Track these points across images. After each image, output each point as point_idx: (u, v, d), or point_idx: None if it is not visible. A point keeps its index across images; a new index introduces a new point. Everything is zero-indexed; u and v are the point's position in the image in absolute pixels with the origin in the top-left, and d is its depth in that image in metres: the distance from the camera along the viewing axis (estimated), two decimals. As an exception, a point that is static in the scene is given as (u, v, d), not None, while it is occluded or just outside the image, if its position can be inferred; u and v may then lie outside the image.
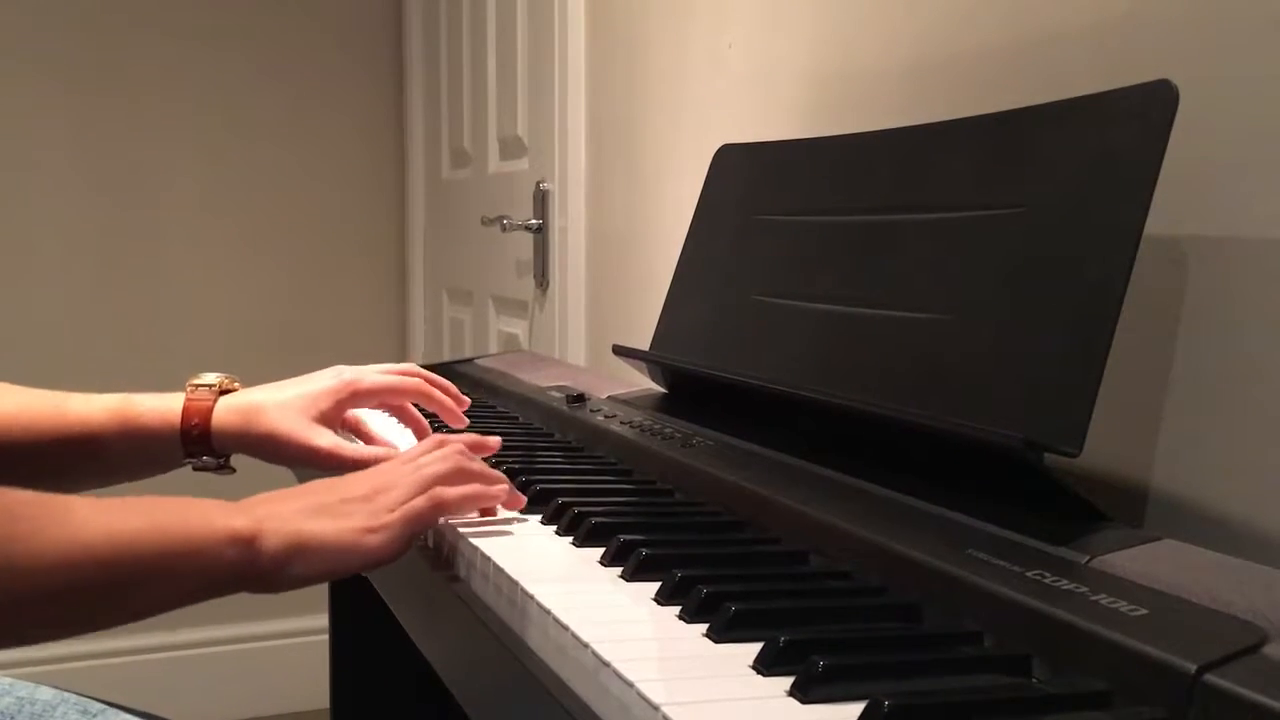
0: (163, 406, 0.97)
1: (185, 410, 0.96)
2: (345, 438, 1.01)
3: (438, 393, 1.05)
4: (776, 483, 0.85)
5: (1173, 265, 0.88)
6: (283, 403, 0.97)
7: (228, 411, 0.96)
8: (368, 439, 1.05)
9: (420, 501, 0.79)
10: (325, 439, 0.96)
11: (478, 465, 0.86)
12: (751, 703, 0.54)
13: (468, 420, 1.08)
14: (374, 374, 1.03)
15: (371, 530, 0.76)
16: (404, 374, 1.04)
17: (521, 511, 0.88)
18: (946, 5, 1.14)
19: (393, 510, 0.78)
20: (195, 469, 0.98)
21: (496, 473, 0.88)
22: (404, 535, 0.78)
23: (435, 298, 2.76)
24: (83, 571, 0.67)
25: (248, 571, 0.73)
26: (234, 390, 0.99)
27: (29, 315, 2.57)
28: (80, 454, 0.95)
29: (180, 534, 0.71)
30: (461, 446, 0.87)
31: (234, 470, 0.99)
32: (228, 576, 0.73)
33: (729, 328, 1.14)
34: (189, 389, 0.98)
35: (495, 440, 0.95)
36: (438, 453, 0.85)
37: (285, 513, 0.75)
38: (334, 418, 0.99)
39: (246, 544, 0.72)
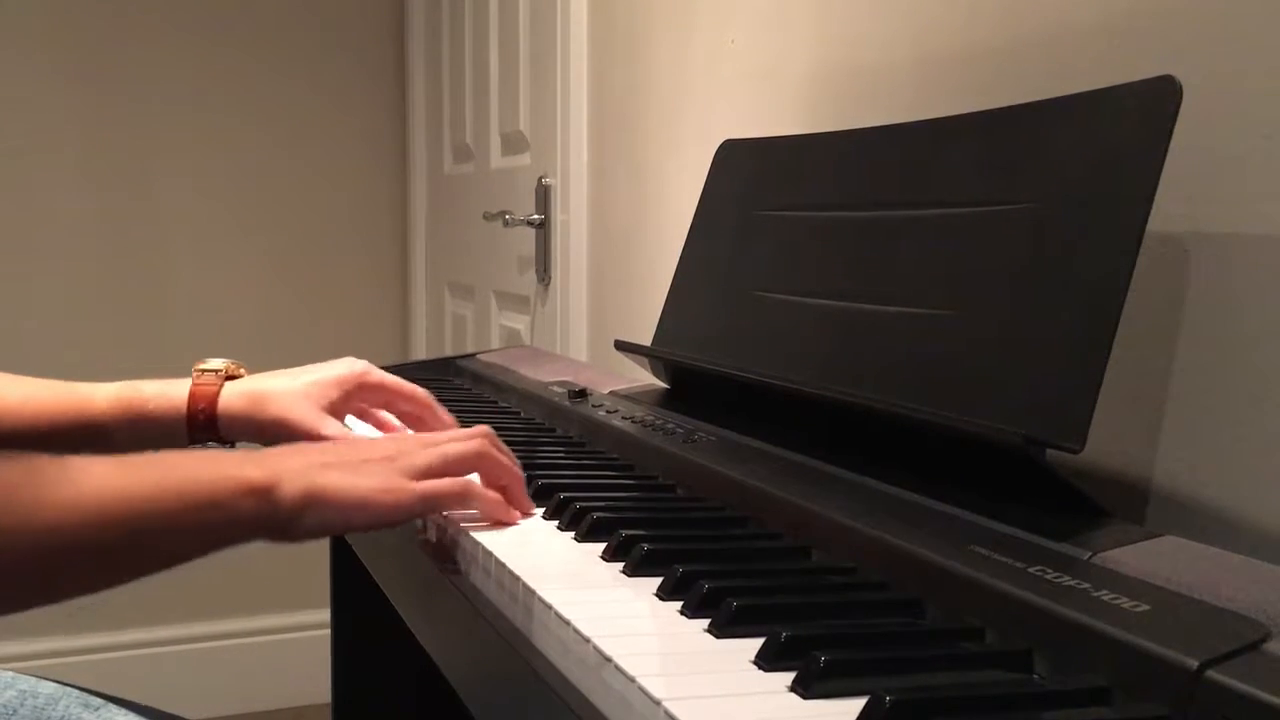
0: (169, 392, 0.97)
1: (192, 395, 0.96)
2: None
3: (441, 415, 1.04)
4: (778, 478, 0.85)
5: (1175, 262, 0.88)
6: (292, 389, 0.97)
7: (235, 397, 0.96)
8: (380, 428, 1.04)
9: (452, 484, 0.79)
10: (332, 427, 0.96)
11: (501, 457, 0.85)
12: (753, 698, 0.54)
13: None
14: (386, 373, 1.03)
15: (388, 490, 0.76)
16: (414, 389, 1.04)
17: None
18: (950, 0, 1.14)
19: (412, 476, 0.78)
20: None
21: (516, 466, 0.86)
22: (419, 506, 0.78)
23: (437, 293, 2.76)
24: (102, 528, 0.67)
25: (265, 522, 0.73)
26: (240, 376, 0.99)
27: (31, 309, 2.57)
28: (87, 442, 0.95)
29: (196, 487, 0.71)
30: (490, 431, 0.86)
31: None
32: (245, 526, 0.73)
33: (731, 323, 1.14)
34: (195, 374, 0.98)
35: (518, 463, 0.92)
36: (463, 432, 0.85)
37: (303, 465, 0.75)
38: (341, 408, 0.99)
39: (263, 494, 0.72)
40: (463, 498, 0.81)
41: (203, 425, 0.96)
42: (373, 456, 0.78)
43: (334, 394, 0.98)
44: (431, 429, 1.02)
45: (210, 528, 0.72)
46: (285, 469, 0.74)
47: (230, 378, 0.98)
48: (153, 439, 0.97)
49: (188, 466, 0.73)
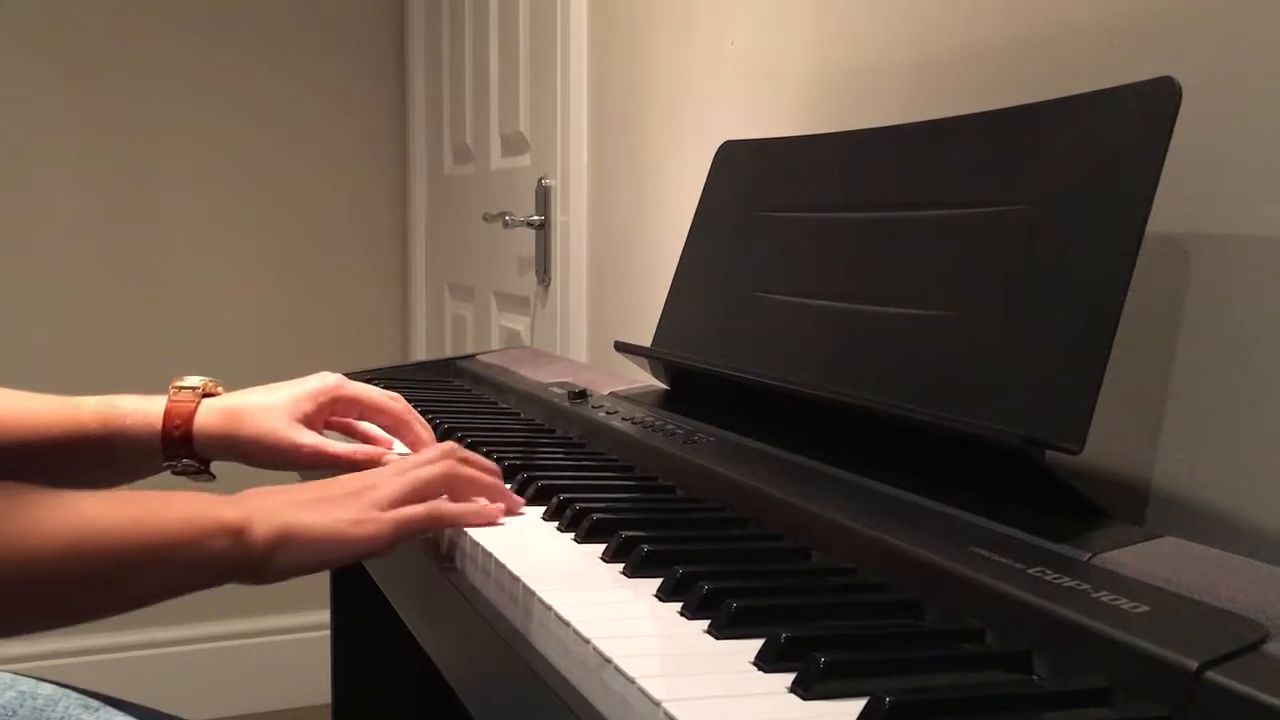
0: (144, 408, 0.96)
1: (167, 412, 0.96)
2: (335, 440, 1.01)
3: (416, 426, 1.02)
4: (778, 479, 0.85)
5: (1175, 263, 0.88)
6: (266, 404, 0.97)
7: (212, 414, 0.96)
8: (365, 440, 1.03)
9: (419, 510, 0.80)
10: (308, 437, 0.96)
11: (470, 471, 0.85)
12: (753, 699, 0.54)
13: None
14: (361, 385, 1.03)
15: (359, 523, 0.77)
16: (391, 399, 1.03)
17: (523, 506, 0.88)
18: (950, 1, 1.14)
19: (383, 507, 0.78)
20: (174, 473, 0.97)
21: (489, 473, 0.87)
22: (394, 536, 0.78)
23: (437, 294, 2.76)
24: (73, 563, 0.68)
25: (238, 562, 0.73)
26: (217, 394, 0.99)
27: (31, 309, 2.57)
28: (69, 456, 0.94)
29: (169, 526, 0.72)
30: (456, 446, 0.87)
31: (213, 477, 0.98)
32: (218, 567, 0.73)
33: (731, 324, 1.14)
34: (172, 391, 0.98)
35: (493, 467, 0.92)
36: (430, 454, 0.85)
37: (274, 505, 0.76)
38: (316, 420, 0.99)
39: (235, 535, 0.73)
40: (434, 519, 0.81)
41: (178, 442, 0.95)
42: (344, 492, 0.79)
43: (308, 407, 0.98)
44: (406, 439, 1.02)
45: (182, 567, 0.72)
46: (257, 509, 0.74)
47: (207, 395, 0.98)
48: (128, 454, 0.96)
49: (161, 504, 0.73)
